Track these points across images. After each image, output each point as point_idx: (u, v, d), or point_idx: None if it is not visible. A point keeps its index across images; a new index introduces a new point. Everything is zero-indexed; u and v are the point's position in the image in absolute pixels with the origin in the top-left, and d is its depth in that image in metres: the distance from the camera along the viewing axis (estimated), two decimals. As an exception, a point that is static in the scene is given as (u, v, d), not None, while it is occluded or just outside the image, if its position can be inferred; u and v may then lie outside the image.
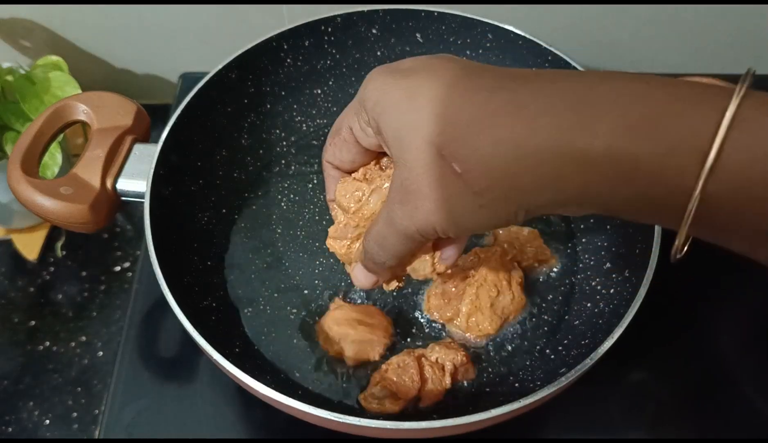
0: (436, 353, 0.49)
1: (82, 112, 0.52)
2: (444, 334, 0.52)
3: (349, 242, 0.39)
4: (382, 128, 0.31)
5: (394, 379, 0.48)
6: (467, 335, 0.52)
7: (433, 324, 0.53)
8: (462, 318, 0.51)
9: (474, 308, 0.51)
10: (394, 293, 0.54)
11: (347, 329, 0.50)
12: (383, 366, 0.49)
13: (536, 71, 0.28)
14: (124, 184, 0.50)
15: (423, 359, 0.49)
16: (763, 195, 0.23)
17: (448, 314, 0.52)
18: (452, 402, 0.49)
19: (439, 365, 0.49)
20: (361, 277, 0.38)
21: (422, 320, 0.53)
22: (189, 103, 0.54)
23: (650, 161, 0.24)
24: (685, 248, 0.28)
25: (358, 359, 0.50)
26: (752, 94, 0.24)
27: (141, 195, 0.49)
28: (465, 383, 0.50)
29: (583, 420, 0.54)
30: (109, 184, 0.49)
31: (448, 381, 0.48)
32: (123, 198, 0.50)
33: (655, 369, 0.56)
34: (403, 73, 0.30)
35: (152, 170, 0.50)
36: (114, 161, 0.50)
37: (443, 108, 0.28)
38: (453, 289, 0.52)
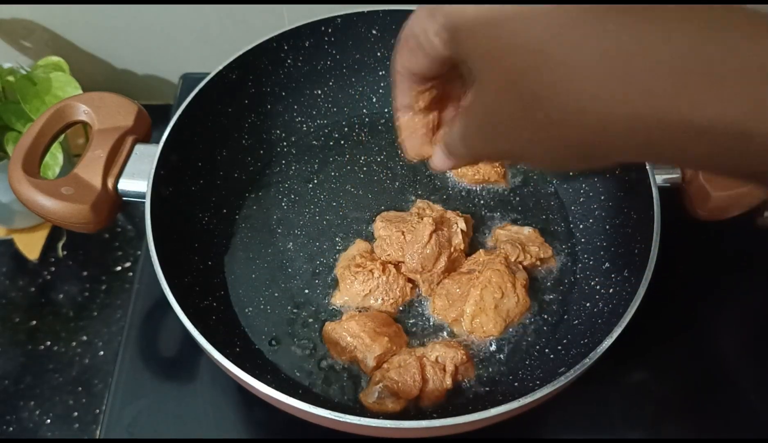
0: (436, 351, 0.49)
1: (83, 112, 0.52)
2: (444, 333, 0.52)
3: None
4: (461, 43, 0.27)
5: (396, 378, 0.48)
6: (471, 336, 0.52)
7: (434, 324, 0.53)
8: (466, 319, 0.51)
9: (478, 309, 0.51)
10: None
11: (367, 340, 0.49)
12: (384, 365, 0.49)
13: (664, 9, 0.23)
14: (125, 184, 0.50)
15: (424, 359, 0.49)
16: None
17: (452, 316, 0.52)
18: (452, 401, 0.49)
19: (440, 365, 0.49)
20: (438, 161, 0.36)
21: (423, 320, 0.53)
22: (190, 103, 0.54)
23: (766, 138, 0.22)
24: None
25: (378, 368, 0.50)
26: None
27: (142, 195, 0.49)
28: (465, 382, 0.50)
29: (582, 420, 0.54)
30: (110, 184, 0.49)
31: (449, 381, 0.48)
32: (124, 198, 0.51)
33: (654, 368, 0.56)
34: None
35: (153, 171, 0.50)
36: (115, 162, 0.50)
37: (538, 44, 0.24)
38: (458, 290, 0.52)
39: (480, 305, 0.51)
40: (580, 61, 0.23)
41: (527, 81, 0.24)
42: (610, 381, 0.55)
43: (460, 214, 0.56)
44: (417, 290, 0.54)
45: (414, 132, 0.37)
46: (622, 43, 0.22)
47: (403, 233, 0.53)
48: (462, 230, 0.54)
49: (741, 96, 0.22)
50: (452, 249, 0.53)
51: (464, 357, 0.49)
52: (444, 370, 0.48)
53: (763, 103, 0.22)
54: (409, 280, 0.54)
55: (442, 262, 0.53)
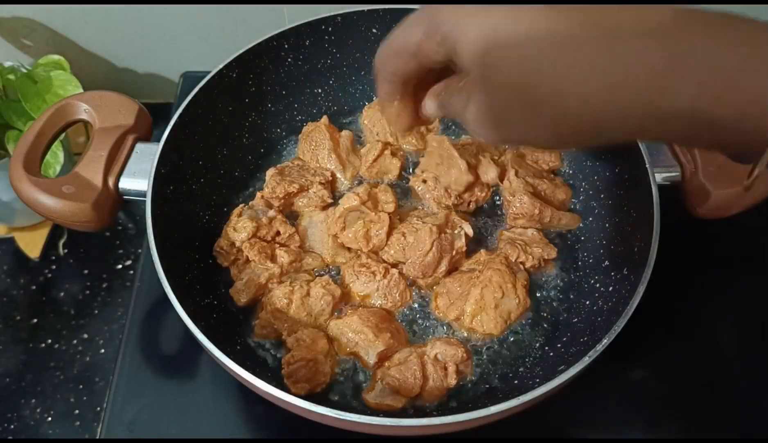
0: (437, 349, 0.49)
1: (83, 111, 0.52)
2: (445, 331, 0.53)
3: None
4: (462, 59, 0.31)
5: (397, 376, 0.48)
6: (471, 335, 0.52)
7: (435, 322, 0.53)
8: (467, 318, 0.51)
9: (479, 308, 0.51)
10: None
11: (370, 336, 0.49)
12: (385, 363, 0.49)
13: (629, 19, 0.28)
14: (126, 183, 0.50)
15: (425, 356, 0.49)
16: None
17: (453, 314, 0.52)
18: (452, 399, 0.49)
19: (441, 363, 0.49)
20: (431, 109, 0.39)
21: (424, 318, 0.53)
22: (190, 102, 0.54)
23: (728, 120, 0.26)
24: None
25: (380, 365, 0.50)
26: None
27: (143, 194, 0.49)
28: (465, 380, 0.50)
29: (582, 418, 0.54)
30: (111, 183, 0.50)
31: (449, 379, 0.48)
32: (125, 197, 0.51)
33: (654, 367, 0.56)
34: (480, 6, 0.31)
35: (154, 169, 0.50)
36: (116, 160, 0.50)
37: (536, 64, 0.29)
38: (458, 289, 0.53)
39: (480, 304, 0.51)
40: (573, 76, 0.28)
41: (530, 90, 0.29)
42: (610, 379, 0.55)
43: (465, 216, 0.56)
44: (417, 292, 0.54)
45: (401, 114, 0.41)
46: (601, 60, 0.28)
47: (404, 234, 0.53)
48: (467, 234, 0.54)
49: (683, 86, 0.26)
50: (454, 253, 0.53)
51: (464, 355, 0.49)
52: (444, 368, 0.49)
53: (701, 90, 0.26)
54: (410, 284, 0.54)
55: (443, 267, 0.53)
